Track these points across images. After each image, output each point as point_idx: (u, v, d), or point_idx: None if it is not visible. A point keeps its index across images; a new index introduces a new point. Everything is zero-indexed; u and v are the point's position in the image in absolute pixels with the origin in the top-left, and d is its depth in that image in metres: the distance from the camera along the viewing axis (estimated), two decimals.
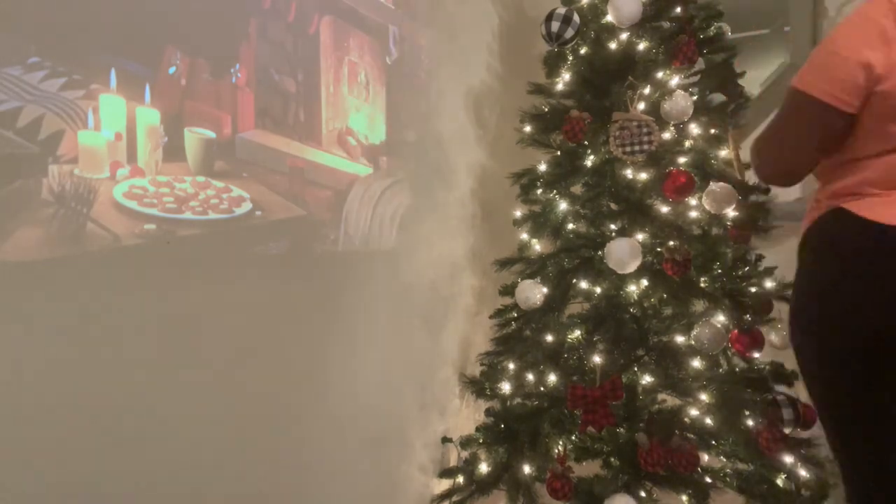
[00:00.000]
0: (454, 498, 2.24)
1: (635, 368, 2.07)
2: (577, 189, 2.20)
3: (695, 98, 2.05)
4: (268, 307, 1.83)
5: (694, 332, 1.92)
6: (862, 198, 1.45)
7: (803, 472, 1.96)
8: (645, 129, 2.01)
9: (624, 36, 2.13)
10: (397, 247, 2.32)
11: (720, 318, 1.97)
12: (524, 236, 2.29)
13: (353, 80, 2.18)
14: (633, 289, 2.06)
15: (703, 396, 1.97)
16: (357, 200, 2.18)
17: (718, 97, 2.15)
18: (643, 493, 1.95)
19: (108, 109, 1.47)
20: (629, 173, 2.08)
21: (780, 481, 1.94)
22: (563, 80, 2.23)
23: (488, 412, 2.27)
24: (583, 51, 2.20)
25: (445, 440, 2.46)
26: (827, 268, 1.46)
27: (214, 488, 1.68)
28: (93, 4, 1.45)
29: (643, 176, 2.07)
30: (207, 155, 1.71)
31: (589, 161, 2.15)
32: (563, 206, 2.17)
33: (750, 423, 1.93)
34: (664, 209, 2.05)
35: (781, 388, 2.03)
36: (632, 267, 1.96)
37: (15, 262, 1.31)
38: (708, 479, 1.97)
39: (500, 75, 2.84)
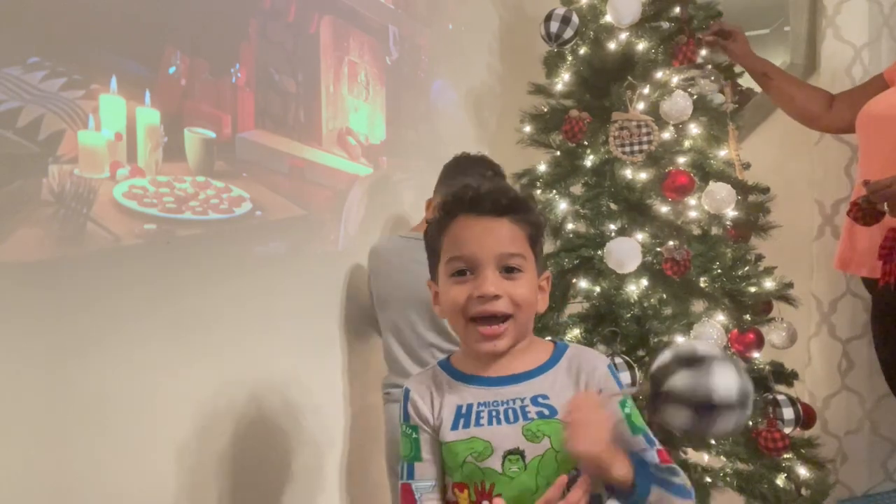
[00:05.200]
0: None
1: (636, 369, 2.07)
2: (576, 189, 2.20)
3: (694, 98, 2.05)
4: (268, 307, 1.83)
5: (693, 333, 1.93)
6: None
7: (803, 472, 1.96)
8: (644, 129, 2.01)
9: (623, 36, 2.13)
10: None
11: (720, 318, 1.97)
12: None
13: (353, 80, 2.18)
14: (633, 289, 2.06)
15: None
16: (357, 200, 2.18)
17: (718, 97, 2.15)
18: None
19: (108, 109, 1.48)
20: (629, 173, 2.08)
21: (780, 481, 1.94)
22: (563, 80, 2.23)
23: None
24: (582, 51, 2.20)
25: None
26: None
27: (214, 487, 1.68)
28: (93, 4, 1.46)
29: (643, 176, 2.07)
30: (207, 155, 1.71)
31: (589, 161, 2.15)
32: (562, 205, 2.17)
33: (750, 423, 1.93)
34: (664, 209, 2.05)
35: (781, 388, 2.03)
36: (632, 267, 1.96)
37: (15, 262, 1.31)
38: (708, 479, 1.97)
39: (500, 75, 2.84)
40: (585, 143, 2.13)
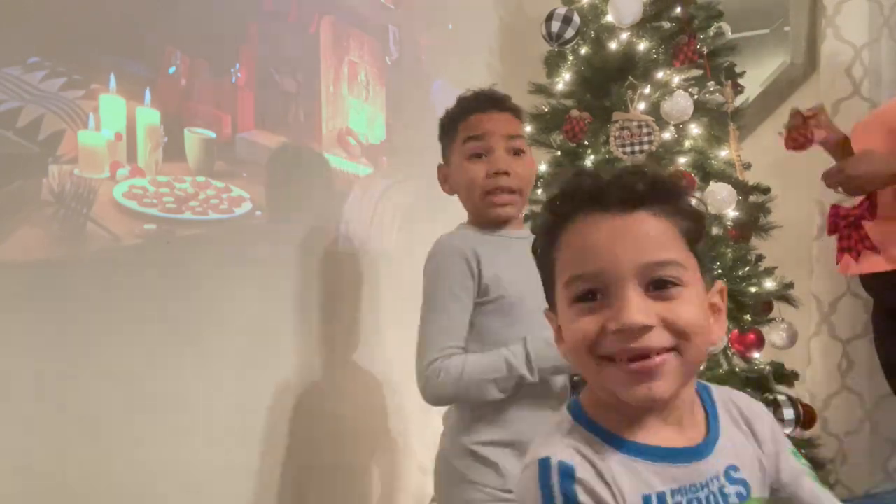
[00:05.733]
0: None
1: None
2: None
3: (695, 98, 2.05)
4: (268, 307, 1.83)
5: None
6: None
7: None
8: (645, 129, 2.01)
9: (624, 36, 2.13)
10: (397, 247, 2.32)
11: None
12: None
13: (353, 80, 2.18)
14: None
15: None
16: (357, 200, 2.18)
17: (718, 97, 2.15)
18: None
19: (108, 109, 1.47)
20: None
21: None
22: (564, 80, 2.23)
23: None
24: (583, 51, 2.20)
25: None
26: None
27: (213, 488, 1.68)
28: (93, 4, 1.45)
29: None
30: (207, 155, 1.71)
31: (589, 161, 2.15)
32: None
33: None
34: None
35: (782, 388, 2.03)
36: None
37: (15, 262, 1.31)
38: None
39: (500, 75, 2.83)
40: (586, 143, 2.13)
